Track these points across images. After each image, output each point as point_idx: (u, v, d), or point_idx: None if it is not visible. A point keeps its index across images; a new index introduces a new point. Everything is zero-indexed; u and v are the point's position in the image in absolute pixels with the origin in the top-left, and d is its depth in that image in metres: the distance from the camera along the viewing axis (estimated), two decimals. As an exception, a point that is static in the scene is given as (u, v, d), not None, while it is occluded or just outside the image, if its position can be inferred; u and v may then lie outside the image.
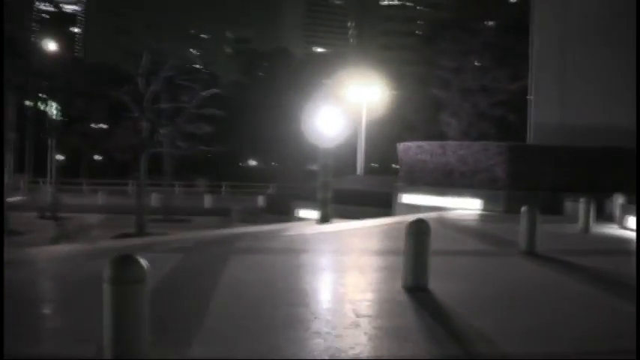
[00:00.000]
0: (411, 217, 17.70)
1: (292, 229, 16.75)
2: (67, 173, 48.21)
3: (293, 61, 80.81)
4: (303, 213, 26.93)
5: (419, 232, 7.69)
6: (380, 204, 23.81)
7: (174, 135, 25.86)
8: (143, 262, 4.46)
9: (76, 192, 43.50)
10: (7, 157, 46.17)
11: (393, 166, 45.67)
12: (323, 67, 69.37)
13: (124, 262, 4.45)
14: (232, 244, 12.51)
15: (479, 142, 21.75)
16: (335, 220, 17.72)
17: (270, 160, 75.67)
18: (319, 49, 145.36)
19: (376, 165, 62.05)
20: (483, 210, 20.19)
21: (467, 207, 20.55)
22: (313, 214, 24.83)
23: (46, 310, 6.75)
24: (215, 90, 25.77)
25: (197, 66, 40.96)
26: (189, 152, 28.43)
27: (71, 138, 51.72)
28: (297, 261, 9.84)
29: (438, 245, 8.78)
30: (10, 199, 32.56)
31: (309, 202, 26.01)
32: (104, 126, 65.34)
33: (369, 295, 7.40)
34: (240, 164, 76.26)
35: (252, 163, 78.93)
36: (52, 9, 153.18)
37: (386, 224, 16.81)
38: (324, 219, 17.36)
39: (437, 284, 7.52)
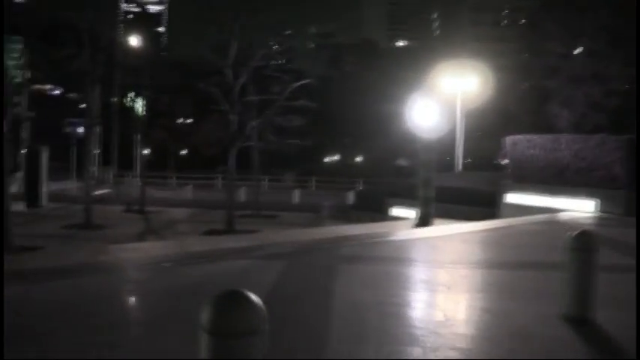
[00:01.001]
0: (530, 220, 15.79)
1: (394, 231, 15.39)
2: (153, 167, 48.32)
3: (378, 54, 79.13)
4: (397, 211, 25.49)
5: (586, 248, 6.05)
6: (483, 203, 22.05)
7: (263, 128, 24.84)
8: (257, 300, 3.08)
9: (162, 186, 43.40)
10: (95, 151, 46.69)
11: (495, 162, 43.51)
12: (409, 59, 67.55)
13: (232, 305, 3.07)
14: (333, 250, 11.24)
15: (596, 134, 19.55)
16: (436, 221, 16.21)
17: (356, 155, 74.25)
18: (403, 42, 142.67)
19: (470, 160, 59.57)
20: (600, 212, 18.10)
21: (581, 209, 18.51)
22: (409, 212, 23.30)
23: (122, 344, 5.55)
24: (306, 80, 24.58)
25: (281, 62, 40.20)
26: (279, 146, 27.38)
27: (157, 132, 51.98)
28: (412, 274, 8.42)
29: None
30: (96, 193, 32.49)
31: (405, 199, 24.52)
32: (190, 120, 65.76)
33: (524, 327, 5.82)
34: (326, 159, 75.22)
35: (338, 157, 77.75)
36: (137, 9, 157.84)
37: (496, 228, 15.08)
38: (425, 220, 15.81)
39: (601, 313, 5.88)
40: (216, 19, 24.91)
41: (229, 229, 21.71)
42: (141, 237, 20.85)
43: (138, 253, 15.47)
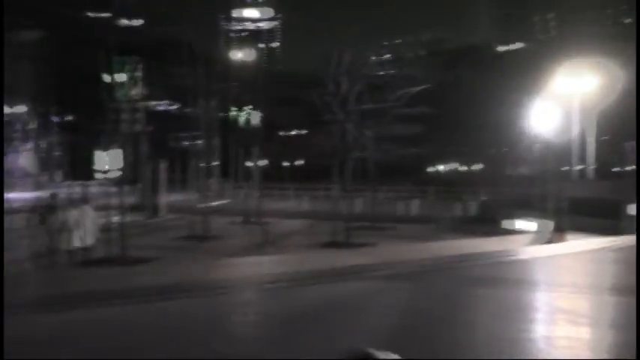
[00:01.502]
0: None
1: (522, 248, 14.10)
2: (270, 178, 48.47)
3: (493, 57, 76.45)
4: (521, 224, 23.86)
5: None
6: (606, 215, 20.17)
7: (379, 137, 23.93)
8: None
9: (278, 197, 43.30)
10: (214, 163, 47.39)
11: (617, 169, 40.49)
12: (526, 62, 64.62)
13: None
14: (459, 270, 10.20)
15: None
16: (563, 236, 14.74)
17: (473, 164, 71.87)
18: (518, 44, 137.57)
19: (588, 167, 55.97)
20: None
21: None
22: (533, 225, 21.60)
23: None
24: (424, 86, 23.47)
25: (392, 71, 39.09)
26: (395, 155, 26.38)
27: (273, 144, 52.34)
28: (548, 301, 7.21)
29: None
30: (214, 204, 32.63)
31: (528, 211, 22.89)
32: (305, 132, 65.98)
33: None
34: (442, 168, 73.29)
35: (453, 166, 75.58)
36: (250, 27, 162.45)
37: (632, 245, 13.45)
38: (555, 235, 14.29)
39: None
40: (328, 30, 24.25)
41: (346, 242, 20.89)
42: (257, 249, 20.42)
43: (254, 268, 14.91)
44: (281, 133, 56.30)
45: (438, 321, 6.64)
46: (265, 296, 10.44)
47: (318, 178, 68.40)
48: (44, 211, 17.10)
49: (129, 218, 21.43)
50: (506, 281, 9.31)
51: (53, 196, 18.74)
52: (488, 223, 25.43)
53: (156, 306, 10.16)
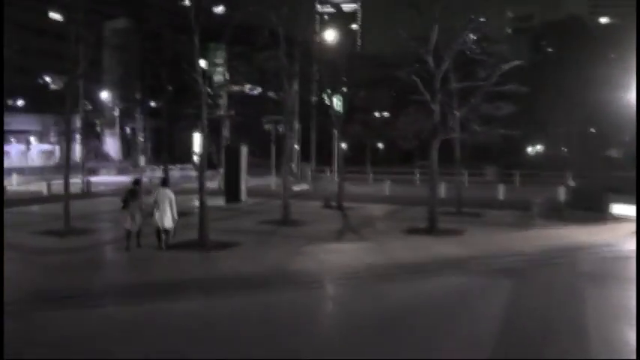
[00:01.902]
0: None
1: (624, 239, 12.96)
2: (350, 162, 47.87)
3: (584, 33, 72.73)
4: (619, 209, 22.28)
5: None
6: None
7: (467, 118, 22.70)
8: None
9: (359, 181, 42.58)
10: (294, 148, 47.06)
11: None
12: (620, 37, 61.16)
13: None
14: (569, 265, 9.27)
15: None
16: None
17: (562, 146, 68.94)
18: (610, 18, 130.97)
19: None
20: None
21: None
22: (632, 210, 20.14)
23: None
24: (513, 62, 22.03)
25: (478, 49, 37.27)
26: (483, 137, 25.06)
27: (354, 127, 51.49)
28: None
29: None
30: (295, 188, 32.25)
31: (626, 196, 21.34)
32: (386, 114, 64.89)
33: None
34: (529, 150, 70.69)
35: (541, 149, 72.74)
36: (331, 10, 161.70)
37: None
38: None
39: None
40: (415, 4, 23.03)
41: (431, 228, 19.97)
42: (339, 235, 19.76)
43: (339, 257, 14.31)
44: (363, 116, 55.31)
45: (553, 325, 5.77)
46: (359, 292, 10.00)
47: (400, 162, 67.42)
48: (127, 195, 17.13)
49: (210, 202, 21.25)
50: (617, 279, 8.30)
51: (136, 180, 18.59)
52: (581, 208, 23.93)
53: (229, 301, 9.81)
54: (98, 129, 51.92)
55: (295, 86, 24.00)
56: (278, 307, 9.38)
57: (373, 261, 13.57)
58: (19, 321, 9.27)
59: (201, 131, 18.23)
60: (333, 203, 28.33)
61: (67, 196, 20.77)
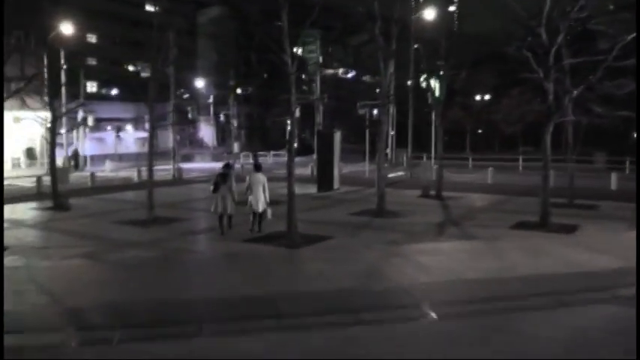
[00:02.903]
0: None
1: None
2: (447, 148, 45.56)
3: None
4: None
5: None
6: None
7: (584, 98, 20.13)
8: None
9: (458, 168, 40.14)
10: (390, 132, 45.21)
11: None
12: None
13: None
14: None
15: None
16: None
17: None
18: None
19: None
20: None
21: None
22: None
23: None
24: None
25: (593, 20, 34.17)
26: (602, 119, 22.34)
27: (453, 111, 49.14)
28: None
29: None
30: (390, 175, 30.47)
31: None
32: (487, 97, 61.90)
33: None
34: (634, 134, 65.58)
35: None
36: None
37: None
38: None
39: None
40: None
41: (544, 223, 17.72)
42: (439, 230, 17.82)
43: (441, 261, 12.54)
44: (463, 99, 52.71)
45: None
46: (484, 329, 8.06)
47: (500, 147, 64.27)
48: (217, 179, 17.28)
49: (301, 190, 20.11)
50: None
51: (227, 164, 18.51)
52: None
53: (328, 335, 8.01)
54: (190, 116, 51.68)
55: (391, 68, 22.08)
56: (370, 349, 7.63)
57: (486, 270, 11.49)
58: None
59: (290, 116, 16.79)
60: (432, 192, 26.36)
61: (150, 184, 19.96)
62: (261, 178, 16.86)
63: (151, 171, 20.22)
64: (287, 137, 63.49)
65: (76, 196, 27.03)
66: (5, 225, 20.08)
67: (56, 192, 23.33)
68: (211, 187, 17.36)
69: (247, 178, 17.50)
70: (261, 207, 16.74)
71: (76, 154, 47.40)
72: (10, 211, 23.35)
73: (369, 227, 18.43)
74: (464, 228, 18.04)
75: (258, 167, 17.82)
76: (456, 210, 22.24)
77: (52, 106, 23.07)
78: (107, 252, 14.97)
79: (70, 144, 48.91)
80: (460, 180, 33.95)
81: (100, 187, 31.03)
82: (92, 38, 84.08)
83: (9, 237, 17.67)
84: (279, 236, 15.97)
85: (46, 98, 23.00)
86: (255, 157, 26.42)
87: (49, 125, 37.55)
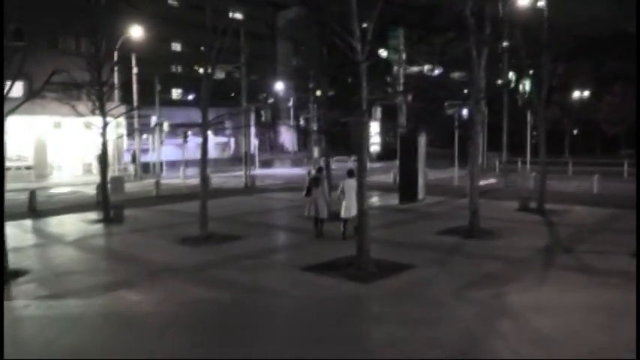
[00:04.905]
0: None
1: None
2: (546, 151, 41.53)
3: None
4: None
5: None
6: None
7: None
8: None
9: (557, 174, 35.88)
10: (482, 134, 41.67)
11: None
12: None
13: None
14: None
15: None
16: None
17: None
18: None
19: None
20: None
21: None
22: None
23: None
24: None
25: None
26: None
27: (549, 111, 44.98)
28: None
29: None
30: (482, 183, 27.03)
31: None
32: (587, 94, 57.04)
33: None
34: None
35: None
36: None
37: None
38: None
39: None
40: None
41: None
42: (549, 261, 14.20)
43: (570, 330, 8.64)
44: (561, 97, 48.34)
45: None
46: None
47: (602, 150, 59.19)
48: (310, 182, 17.62)
49: (382, 201, 17.60)
50: None
51: (320, 168, 18.91)
52: None
53: None
54: (262, 119, 49.70)
55: (483, 62, 18.84)
56: None
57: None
58: None
59: (362, 115, 13.98)
60: (532, 205, 22.83)
61: (204, 195, 17.59)
62: (353, 183, 15.78)
63: (204, 181, 17.92)
64: (372, 141, 60.73)
65: (136, 206, 25.18)
66: (42, 240, 18.47)
67: (107, 204, 21.41)
68: (304, 192, 17.89)
69: (340, 184, 17.31)
70: (353, 212, 15.99)
71: (134, 159, 46.09)
72: (58, 222, 21.73)
73: (460, 252, 15.28)
74: (578, 256, 14.54)
75: (351, 173, 17.07)
76: (563, 229, 18.70)
77: (103, 112, 21.11)
78: (137, 285, 12.47)
79: (128, 150, 47.79)
80: (561, 188, 30.15)
81: (164, 197, 29.04)
82: (177, 47, 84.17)
83: (37, 256, 15.79)
84: (348, 263, 13.22)
85: (97, 103, 21.03)
86: (327, 163, 23.43)
87: (119, 132, 36.33)
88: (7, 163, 32.07)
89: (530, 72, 27.45)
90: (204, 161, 17.73)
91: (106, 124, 21.26)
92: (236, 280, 12.75)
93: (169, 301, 11.16)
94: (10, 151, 36.04)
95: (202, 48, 17.91)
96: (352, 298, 11.15)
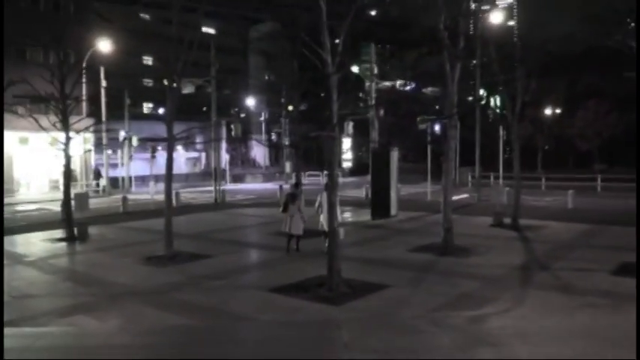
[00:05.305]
0: None
1: None
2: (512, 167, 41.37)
3: None
4: None
5: None
6: None
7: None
8: None
9: (529, 189, 35.67)
10: (454, 149, 41.41)
11: None
12: None
13: None
14: None
15: None
16: None
17: None
18: None
19: None
20: None
21: None
22: None
23: None
24: None
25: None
26: None
27: (523, 126, 44.95)
28: None
29: None
30: (455, 198, 26.67)
31: None
32: (558, 110, 57.25)
33: None
34: None
35: None
36: (486, 7, 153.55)
37: None
38: None
39: None
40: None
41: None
42: (527, 280, 13.73)
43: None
44: (532, 113, 48.45)
45: None
46: None
47: (574, 165, 59.44)
48: (287, 198, 17.60)
49: (354, 217, 17.17)
50: None
51: (296, 184, 19.22)
52: None
53: None
54: (232, 134, 49.03)
55: (457, 76, 18.43)
56: None
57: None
58: None
59: (331, 130, 13.48)
60: (507, 220, 22.49)
61: (168, 213, 16.86)
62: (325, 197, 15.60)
63: (169, 197, 17.20)
64: (343, 157, 60.23)
65: (101, 223, 24.36)
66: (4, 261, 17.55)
67: (70, 221, 20.56)
68: (280, 208, 17.71)
69: (318, 197, 17.22)
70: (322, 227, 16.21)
71: (97, 176, 45.08)
72: (19, 241, 20.84)
73: (435, 270, 14.78)
74: (556, 275, 14.08)
75: (328, 186, 15.80)
76: (539, 245, 18.31)
77: (66, 125, 20.33)
78: (96, 310, 11.73)
79: (96, 164, 46.78)
80: (535, 204, 29.94)
81: (131, 213, 28.22)
82: (148, 60, 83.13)
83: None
84: (319, 283, 12.64)
85: (59, 116, 20.25)
86: (297, 177, 23.21)
87: (87, 147, 35.36)
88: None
89: (501, 88, 27.33)
90: (169, 177, 17.04)
91: (69, 139, 20.47)
92: (199, 304, 12.04)
93: (126, 330, 10.43)
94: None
95: (168, 60, 17.15)
96: (321, 324, 10.51)
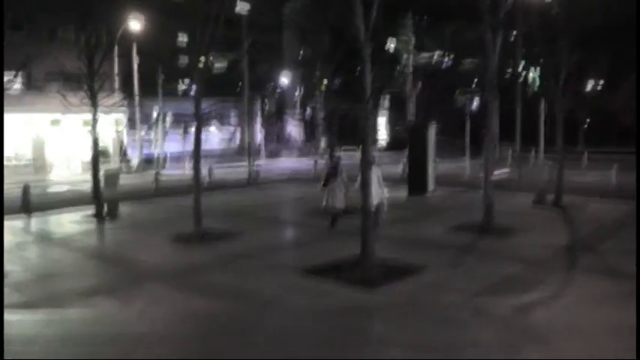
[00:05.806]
0: None
1: None
2: (555, 142, 40.08)
3: None
4: None
5: None
6: None
7: None
8: None
9: (573, 165, 34.23)
10: (493, 125, 40.30)
11: None
12: None
13: None
14: None
15: None
16: None
17: None
18: None
19: None
20: None
21: None
22: None
23: None
24: None
25: None
26: None
27: (563, 99, 43.48)
28: None
29: None
30: (495, 174, 25.72)
31: None
32: (602, 82, 55.43)
33: None
34: None
35: None
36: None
37: None
38: None
39: None
40: None
41: None
42: (571, 259, 13.07)
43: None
44: (575, 85, 46.84)
45: None
46: None
47: (617, 141, 57.56)
48: (328, 173, 16.87)
49: (390, 194, 16.50)
50: None
51: (337, 158, 17.90)
52: None
53: None
54: (266, 110, 48.47)
55: (498, 45, 17.47)
56: None
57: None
58: None
59: (366, 102, 12.78)
60: (549, 197, 21.53)
61: (197, 191, 16.37)
62: (375, 170, 14.94)
63: (197, 175, 16.71)
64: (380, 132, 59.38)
65: (133, 200, 24.10)
66: (29, 238, 17.40)
67: (99, 198, 20.23)
68: (321, 183, 17.03)
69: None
70: (375, 200, 14.75)
71: (124, 155, 44.87)
72: (47, 220, 20.62)
73: (475, 251, 14.06)
74: (604, 257, 13.22)
75: (373, 162, 15.54)
76: (583, 225, 17.39)
77: (95, 102, 19.96)
78: (117, 291, 11.32)
79: (125, 144, 46.56)
80: (577, 180, 28.76)
81: (164, 191, 27.81)
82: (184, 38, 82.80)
83: (20, 256, 14.60)
84: (353, 263, 12.02)
85: (88, 93, 19.87)
86: (332, 155, 22.42)
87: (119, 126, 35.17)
88: (5, 162, 31.13)
89: (541, 60, 26.15)
90: (197, 154, 16.55)
91: (97, 115, 20.13)
92: (226, 286, 11.55)
93: (144, 315, 9.95)
94: (8, 149, 35.07)
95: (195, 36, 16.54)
96: (352, 311, 9.87)
